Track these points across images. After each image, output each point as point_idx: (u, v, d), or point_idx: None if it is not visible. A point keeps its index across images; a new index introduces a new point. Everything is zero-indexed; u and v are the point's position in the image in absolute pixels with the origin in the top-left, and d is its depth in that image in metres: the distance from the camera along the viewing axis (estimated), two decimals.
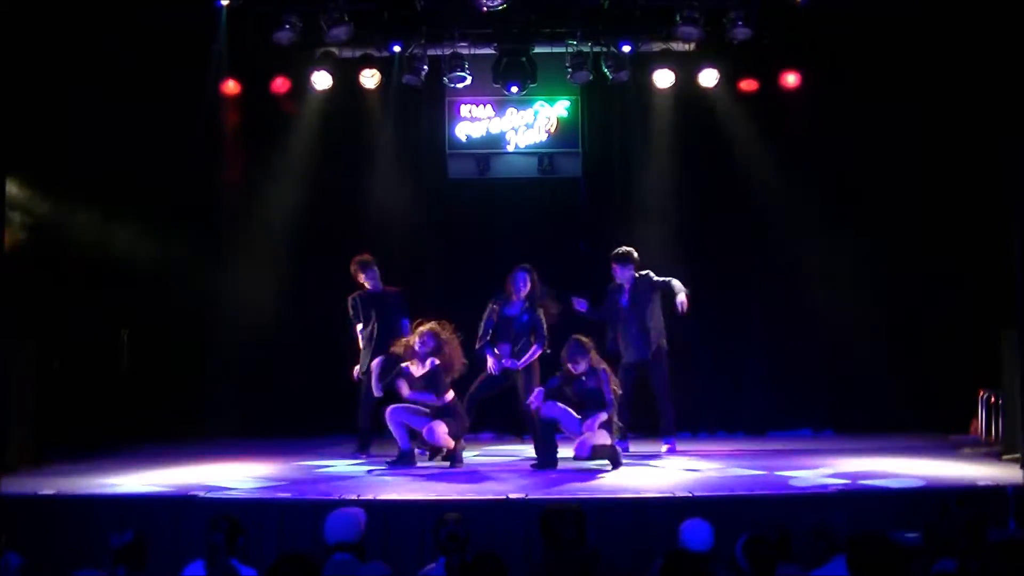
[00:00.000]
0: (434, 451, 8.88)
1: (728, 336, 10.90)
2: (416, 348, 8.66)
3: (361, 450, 9.37)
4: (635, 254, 9.39)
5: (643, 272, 9.41)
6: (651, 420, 9.70)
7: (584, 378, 8.43)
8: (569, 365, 8.42)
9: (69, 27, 9.66)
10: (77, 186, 10.24)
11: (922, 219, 10.64)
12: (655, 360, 9.37)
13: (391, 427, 8.66)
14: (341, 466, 8.86)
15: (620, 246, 9.46)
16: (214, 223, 11.14)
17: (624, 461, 8.50)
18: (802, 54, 10.78)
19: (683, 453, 9.36)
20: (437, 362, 8.62)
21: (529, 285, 9.06)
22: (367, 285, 9.45)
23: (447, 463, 8.68)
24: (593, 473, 8.25)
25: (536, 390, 8.56)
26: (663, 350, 9.40)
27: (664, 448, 9.36)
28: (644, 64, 10.88)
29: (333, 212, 11.01)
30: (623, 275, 9.39)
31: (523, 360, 9.02)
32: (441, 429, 8.51)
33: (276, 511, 6.93)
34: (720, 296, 10.84)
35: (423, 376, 8.65)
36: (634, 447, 9.40)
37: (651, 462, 8.88)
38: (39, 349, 9.17)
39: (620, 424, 8.85)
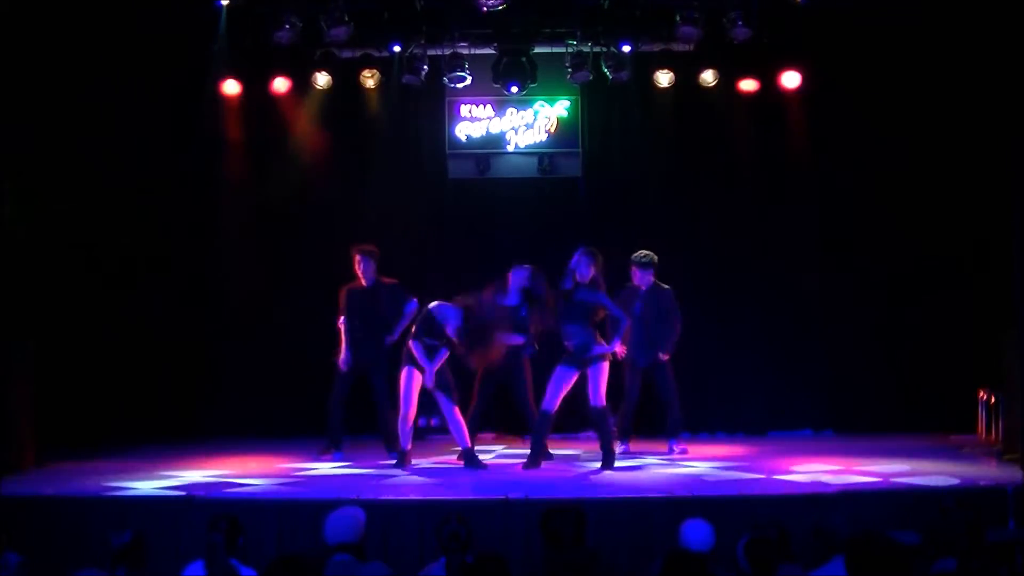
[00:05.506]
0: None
1: (728, 336, 10.88)
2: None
3: (327, 451, 9.30)
4: (655, 259, 9.44)
5: (664, 286, 9.47)
6: (654, 421, 9.74)
7: (580, 289, 8.42)
8: (576, 273, 8.42)
9: (69, 27, 9.66)
10: (77, 185, 10.24)
11: (922, 219, 10.62)
12: (661, 363, 9.44)
13: (399, 424, 8.65)
14: (340, 466, 8.86)
15: (641, 249, 9.50)
16: (214, 223, 11.13)
17: (630, 461, 8.53)
18: (802, 54, 10.77)
19: (684, 453, 9.37)
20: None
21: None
22: (361, 278, 9.42)
23: (456, 459, 8.76)
24: (593, 473, 8.26)
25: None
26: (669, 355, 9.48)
27: (675, 450, 9.40)
28: (644, 64, 10.87)
29: (333, 212, 11.00)
30: (642, 279, 9.44)
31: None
32: (463, 426, 8.59)
33: (276, 511, 6.94)
34: (719, 296, 10.84)
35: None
36: (635, 447, 9.43)
37: (653, 460, 8.90)
38: (39, 349, 9.17)
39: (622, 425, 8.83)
